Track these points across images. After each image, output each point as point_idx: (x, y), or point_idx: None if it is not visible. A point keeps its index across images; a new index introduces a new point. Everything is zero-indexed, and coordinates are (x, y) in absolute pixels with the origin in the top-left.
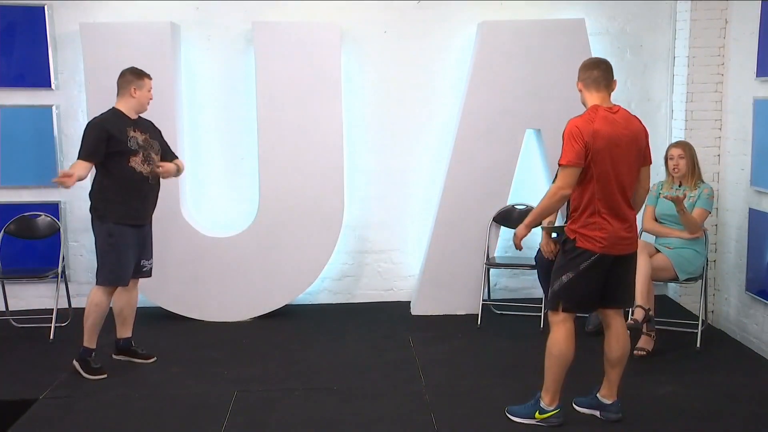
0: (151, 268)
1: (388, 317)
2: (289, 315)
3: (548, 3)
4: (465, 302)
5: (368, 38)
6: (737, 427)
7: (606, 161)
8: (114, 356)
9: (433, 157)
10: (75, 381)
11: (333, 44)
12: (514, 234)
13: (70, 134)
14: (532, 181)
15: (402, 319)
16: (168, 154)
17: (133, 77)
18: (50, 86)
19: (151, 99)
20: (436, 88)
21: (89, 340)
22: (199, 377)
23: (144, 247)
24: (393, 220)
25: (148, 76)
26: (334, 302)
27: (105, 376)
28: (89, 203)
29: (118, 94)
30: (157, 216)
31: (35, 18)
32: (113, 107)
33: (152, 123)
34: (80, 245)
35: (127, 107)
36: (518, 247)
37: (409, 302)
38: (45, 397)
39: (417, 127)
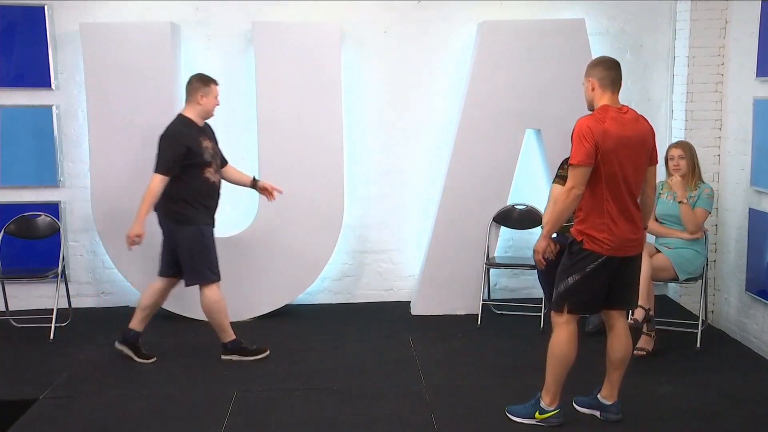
0: None
1: (388, 317)
2: (289, 315)
3: (548, 3)
4: (465, 302)
5: (368, 38)
6: (737, 427)
7: (614, 162)
8: (117, 345)
9: (433, 157)
10: (75, 381)
11: (333, 44)
12: (534, 250)
13: (70, 134)
14: (532, 181)
15: (402, 319)
16: (221, 159)
17: (199, 84)
18: (50, 86)
19: (217, 105)
20: (436, 88)
21: (227, 334)
22: (199, 377)
23: None
24: (393, 220)
25: (215, 82)
26: (334, 302)
27: (265, 353)
28: (165, 210)
29: (186, 101)
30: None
31: (35, 18)
32: (181, 114)
33: (212, 128)
34: (80, 245)
35: (194, 114)
36: (542, 264)
37: (409, 302)
38: (45, 397)
39: (417, 127)
